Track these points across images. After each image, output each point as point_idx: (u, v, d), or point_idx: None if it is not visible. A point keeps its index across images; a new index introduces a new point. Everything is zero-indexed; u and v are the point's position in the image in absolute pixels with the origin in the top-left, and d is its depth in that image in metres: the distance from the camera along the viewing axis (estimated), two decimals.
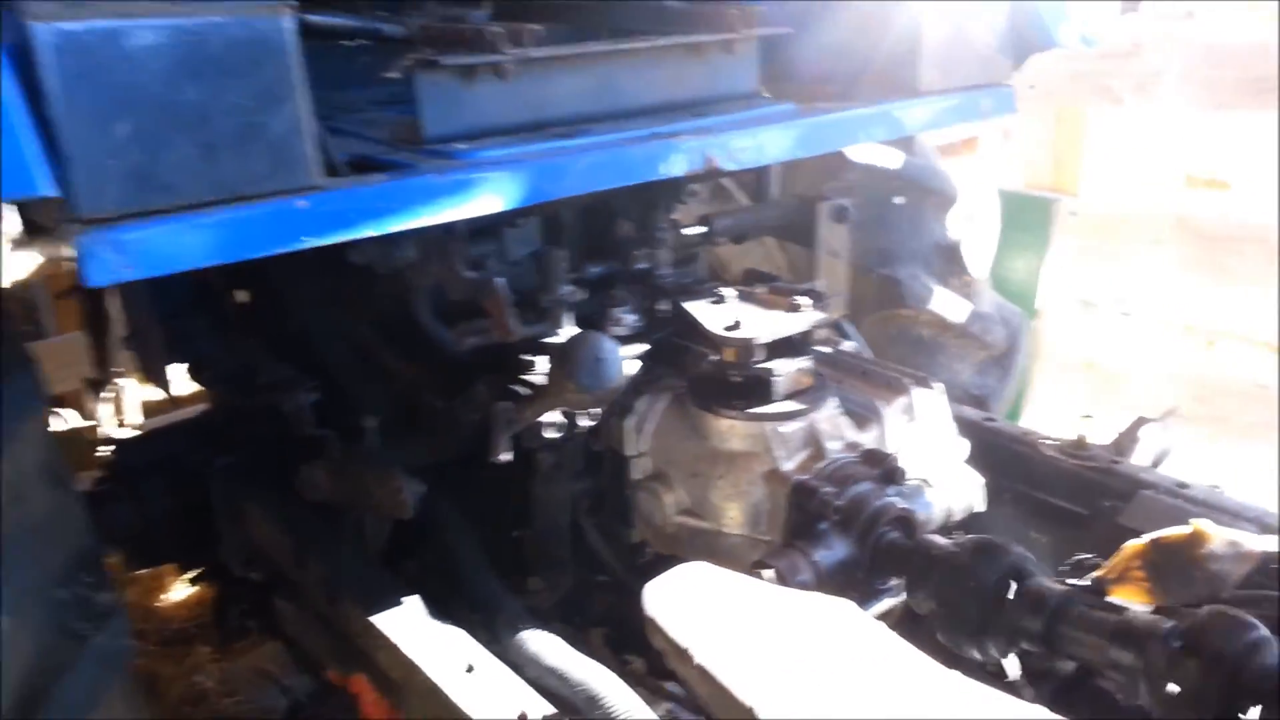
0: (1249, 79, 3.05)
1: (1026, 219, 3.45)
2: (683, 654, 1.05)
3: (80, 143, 1.00)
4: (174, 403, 2.41)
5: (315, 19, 1.20)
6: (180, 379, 2.36)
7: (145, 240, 1.06)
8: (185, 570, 2.37)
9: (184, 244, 1.08)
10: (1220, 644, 1.03)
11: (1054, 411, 3.41)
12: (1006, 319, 2.61)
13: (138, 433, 2.39)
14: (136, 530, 2.02)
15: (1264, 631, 1.04)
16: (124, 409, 2.75)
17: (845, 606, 1.10)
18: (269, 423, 1.98)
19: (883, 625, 1.07)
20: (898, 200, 2.51)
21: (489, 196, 1.29)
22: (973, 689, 0.94)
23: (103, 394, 2.43)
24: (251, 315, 2.26)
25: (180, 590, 3.23)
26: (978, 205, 2.64)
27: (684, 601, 1.11)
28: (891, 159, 2.48)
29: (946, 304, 2.48)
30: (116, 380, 2.47)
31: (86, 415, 2.46)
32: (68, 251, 1.05)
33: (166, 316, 2.16)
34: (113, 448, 2.20)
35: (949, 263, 2.52)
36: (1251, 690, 1.01)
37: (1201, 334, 3.21)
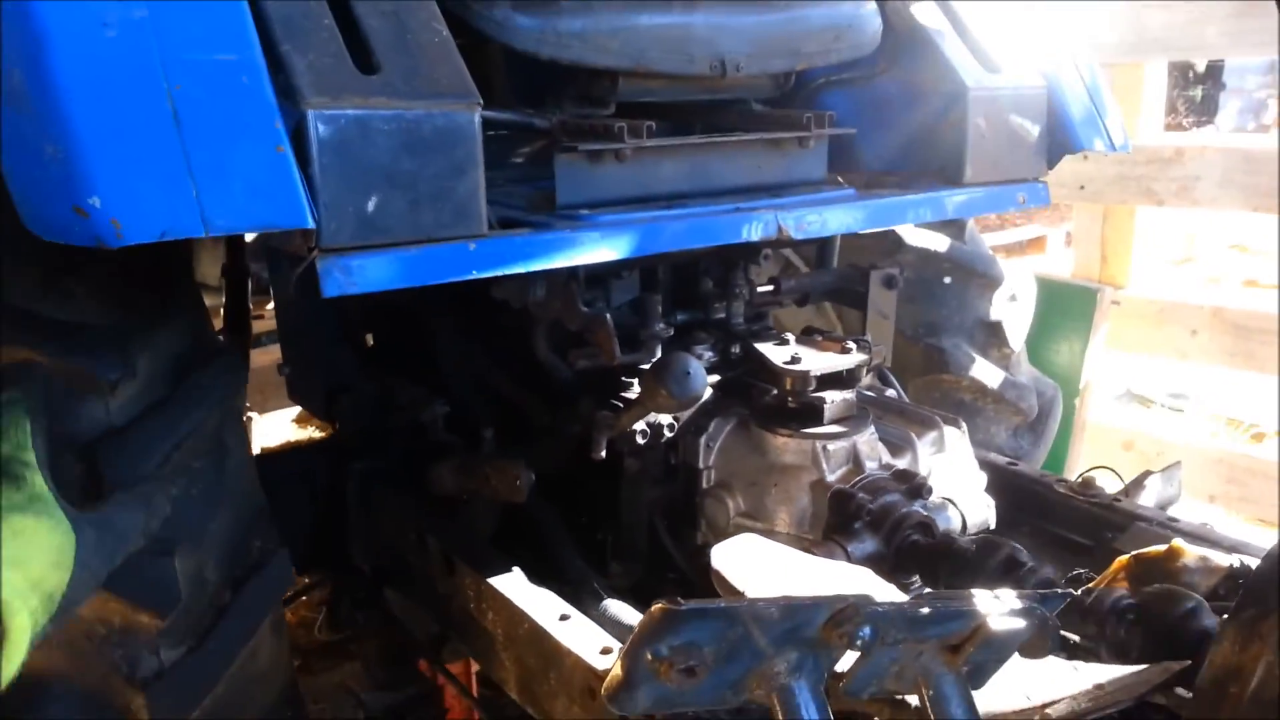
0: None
1: (1072, 306, 3.75)
2: (738, 594, 1.39)
3: (330, 194, 1.37)
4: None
5: (490, 114, 1.61)
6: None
7: (365, 266, 1.43)
8: (302, 571, 2.72)
9: (391, 270, 1.45)
10: (1160, 610, 1.33)
11: None
12: (1041, 390, 2.90)
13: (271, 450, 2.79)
14: None
15: (1200, 601, 1.32)
16: (250, 439, 3.17)
17: (862, 570, 1.43)
18: (397, 436, 2.37)
19: (888, 582, 1.39)
20: (946, 280, 2.85)
21: (605, 249, 1.65)
22: None
23: None
24: (381, 350, 2.67)
25: None
26: (1020, 288, 2.96)
27: (741, 558, 1.44)
28: (942, 244, 2.83)
29: (986, 372, 2.78)
30: (247, 414, 2.90)
31: None
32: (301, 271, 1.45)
33: (319, 349, 2.59)
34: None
35: (990, 337, 2.83)
36: (1184, 648, 1.30)
37: (1219, 420, 3.45)
